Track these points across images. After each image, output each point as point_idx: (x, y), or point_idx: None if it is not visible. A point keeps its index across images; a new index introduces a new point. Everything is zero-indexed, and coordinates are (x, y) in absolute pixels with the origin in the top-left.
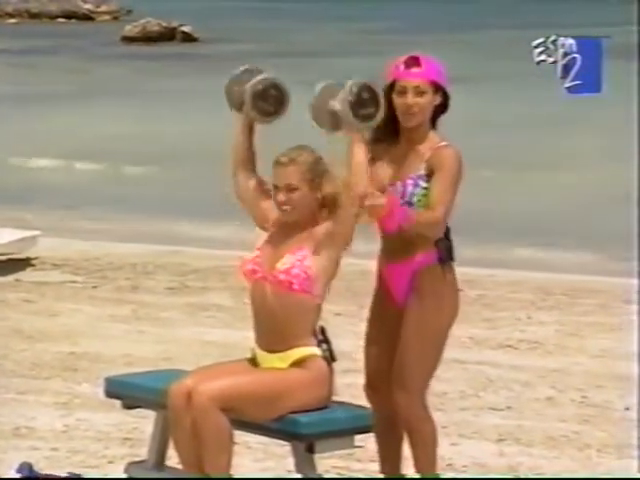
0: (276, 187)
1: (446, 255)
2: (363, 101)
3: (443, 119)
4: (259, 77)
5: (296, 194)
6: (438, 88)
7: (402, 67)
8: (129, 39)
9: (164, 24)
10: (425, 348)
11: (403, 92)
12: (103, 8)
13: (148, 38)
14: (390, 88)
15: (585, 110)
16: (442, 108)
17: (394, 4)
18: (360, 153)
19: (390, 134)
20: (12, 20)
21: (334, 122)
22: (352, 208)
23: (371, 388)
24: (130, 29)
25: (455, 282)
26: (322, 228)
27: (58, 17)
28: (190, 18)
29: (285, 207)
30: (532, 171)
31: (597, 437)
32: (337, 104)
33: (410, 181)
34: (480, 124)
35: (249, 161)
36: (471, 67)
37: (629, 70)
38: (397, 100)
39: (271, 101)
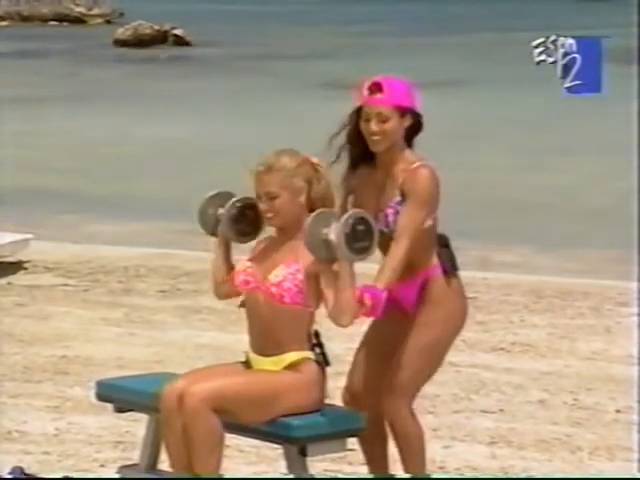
0: (258, 196)
1: (449, 265)
2: (358, 234)
3: (437, 120)
4: (232, 200)
5: (277, 201)
6: (405, 111)
7: (366, 93)
8: (121, 42)
9: (156, 27)
10: (423, 357)
11: (367, 119)
12: (95, 11)
13: (140, 41)
14: (358, 112)
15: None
16: (416, 128)
17: (387, 6)
18: (348, 284)
19: (366, 159)
20: (3, 23)
21: (328, 251)
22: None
23: (349, 392)
24: (122, 32)
25: (461, 291)
26: (314, 263)
27: (50, 20)
28: (182, 21)
29: (268, 214)
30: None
31: (589, 439)
32: (332, 235)
33: (390, 210)
34: (472, 126)
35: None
36: (464, 70)
37: (629, 73)
38: (363, 126)
39: (247, 222)
